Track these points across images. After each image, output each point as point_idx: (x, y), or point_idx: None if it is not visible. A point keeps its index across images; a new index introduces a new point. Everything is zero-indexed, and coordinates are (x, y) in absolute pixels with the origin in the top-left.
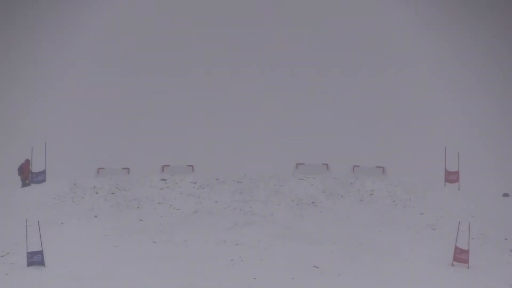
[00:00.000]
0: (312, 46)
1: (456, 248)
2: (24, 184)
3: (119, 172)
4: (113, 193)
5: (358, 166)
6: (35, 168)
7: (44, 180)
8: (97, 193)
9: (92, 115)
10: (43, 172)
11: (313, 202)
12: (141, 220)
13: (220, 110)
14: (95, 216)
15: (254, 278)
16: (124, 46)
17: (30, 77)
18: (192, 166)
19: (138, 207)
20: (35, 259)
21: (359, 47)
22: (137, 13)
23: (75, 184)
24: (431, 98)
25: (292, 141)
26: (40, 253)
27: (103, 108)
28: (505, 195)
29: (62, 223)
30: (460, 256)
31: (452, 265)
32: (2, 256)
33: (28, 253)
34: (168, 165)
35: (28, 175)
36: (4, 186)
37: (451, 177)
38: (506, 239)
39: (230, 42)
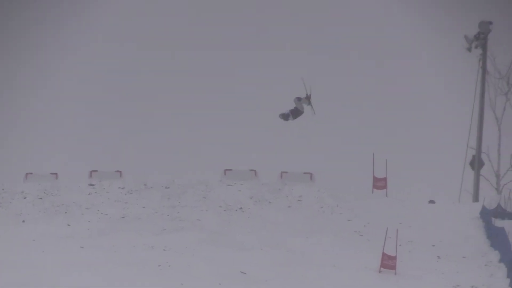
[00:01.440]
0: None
1: (383, 254)
2: None
3: (47, 177)
4: (41, 198)
5: (286, 172)
6: None
7: None
8: (25, 198)
9: (19, 119)
10: None
11: (241, 208)
12: (68, 225)
13: (147, 115)
14: (23, 221)
15: (181, 284)
16: None
17: None
18: (120, 171)
19: (66, 212)
20: None
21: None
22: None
23: (3, 189)
24: (356, 104)
25: (219, 147)
26: None
27: (30, 112)
28: (431, 202)
29: None
30: (388, 262)
31: (380, 271)
32: None
33: None
34: (96, 171)
35: None
36: None
37: (379, 183)
38: (433, 245)
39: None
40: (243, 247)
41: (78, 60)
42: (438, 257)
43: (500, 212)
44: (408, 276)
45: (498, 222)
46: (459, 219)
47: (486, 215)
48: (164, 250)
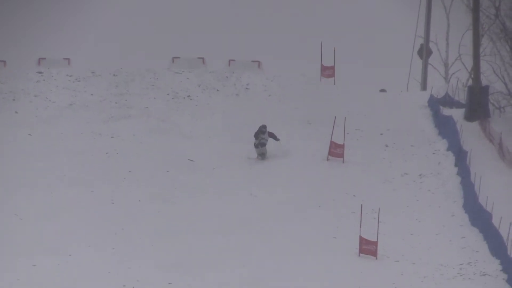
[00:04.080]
0: None
1: (331, 143)
2: None
3: None
4: None
5: (234, 60)
6: None
7: None
8: None
9: None
10: None
11: (188, 96)
12: (16, 112)
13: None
14: None
15: (129, 171)
16: None
17: None
18: (68, 59)
19: (13, 100)
20: None
21: None
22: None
23: None
24: None
25: (168, 34)
26: None
27: None
28: (382, 90)
29: None
30: (335, 150)
31: (327, 159)
32: None
33: None
34: (44, 58)
35: None
36: None
37: (327, 72)
38: (381, 134)
39: None
40: (191, 135)
41: None
42: (386, 145)
43: (448, 101)
44: (356, 164)
45: (446, 111)
46: (407, 107)
47: (434, 103)
48: (111, 137)
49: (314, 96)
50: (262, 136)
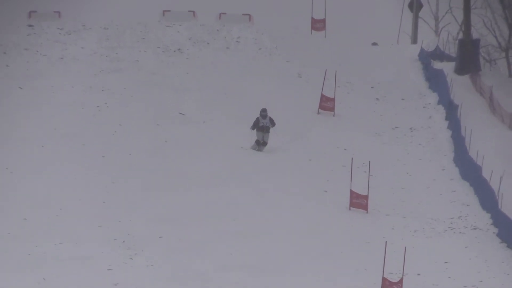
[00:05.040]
0: None
1: (322, 96)
2: None
3: None
4: None
5: (224, 13)
6: None
7: None
8: None
9: None
10: None
11: (179, 49)
12: (7, 66)
13: None
14: None
15: (120, 125)
16: None
17: None
18: (58, 12)
19: (4, 53)
20: None
21: None
22: None
23: None
24: None
25: None
26: None
27: None
28: (374, 44)
29: None
30: (326, 104)
31: (318, 113)
32: None
33: None
34: (35, 11)
35: None
36: None
37: (318, 25)
38: (372, 87)
39: None
40: (182, 88)
41: None
42: (377, 99)
43: (438, 54)
44: (346, 117)
45: (436, 64)
46: (398, 61)
47: (425, 57)
48: (102, 90)
49: (305, 49)
50: (263, 121)
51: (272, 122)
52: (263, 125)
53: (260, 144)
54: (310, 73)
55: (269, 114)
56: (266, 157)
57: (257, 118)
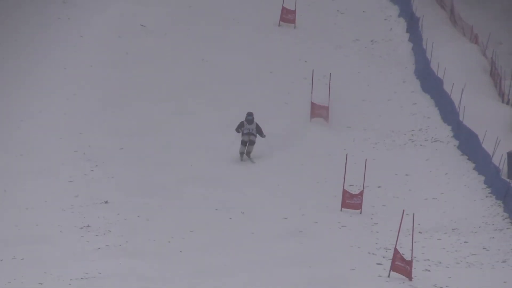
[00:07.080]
0: None
1: (283, 8)
2: None
3: None
4: None
5: None
6: None
7: None
8: None
9: None
10: None
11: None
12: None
13: None
14: None
15: (81, 37)
16: None
17: None
18: None
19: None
20: None
21: None
22: None
23: None
24: None
25: None
26: None
27: None
28: None
29: None
30: (287, 16)
31: (279, 25)
32: None
33: None
34: None
35: None
36: None
37: None
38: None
39: None
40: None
41: None
42: (338, 11)
43: None
44: (307, 30)
45: None
46: None
47: None
48: (64, 2)
49: None
50: (248, 127)
51: (260, 132)
52: (248, 132)
53: (244, 154)
54: None
55: (229, 27)
56: (226, 68)
57: (242, 122)
